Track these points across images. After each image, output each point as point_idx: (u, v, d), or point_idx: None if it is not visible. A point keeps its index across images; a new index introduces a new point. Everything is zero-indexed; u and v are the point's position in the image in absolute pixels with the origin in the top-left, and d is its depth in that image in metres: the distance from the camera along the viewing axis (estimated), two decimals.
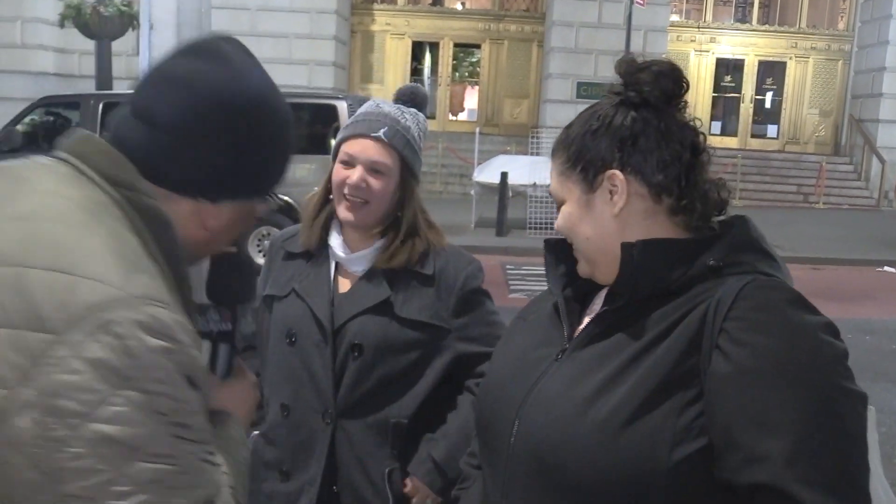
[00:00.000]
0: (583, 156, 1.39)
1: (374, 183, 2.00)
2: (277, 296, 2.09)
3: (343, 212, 2.02)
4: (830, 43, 22.06)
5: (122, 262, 1.01)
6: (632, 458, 1.21)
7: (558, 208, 1.45)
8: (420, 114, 2.17)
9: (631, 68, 1.40)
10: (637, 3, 15.20)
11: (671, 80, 1.37)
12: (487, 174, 13.95)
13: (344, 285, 2.07)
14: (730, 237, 1.34)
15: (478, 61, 22.57)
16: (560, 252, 1.50)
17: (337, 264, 2.09)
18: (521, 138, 18.99)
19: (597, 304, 1.45)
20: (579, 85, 19.70)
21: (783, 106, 22.18)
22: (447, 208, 15.80)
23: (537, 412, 1.34)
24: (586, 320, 1.44)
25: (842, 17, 22.31)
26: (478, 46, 22.34)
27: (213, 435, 1.09)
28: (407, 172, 2.07)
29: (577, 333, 1.42)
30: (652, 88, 1.36)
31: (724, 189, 1.39)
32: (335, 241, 2.08)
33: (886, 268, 12.62)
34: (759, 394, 1.16)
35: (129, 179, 1.12)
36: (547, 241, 1.53)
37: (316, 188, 2.15)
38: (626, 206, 1.36)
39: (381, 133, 2.00)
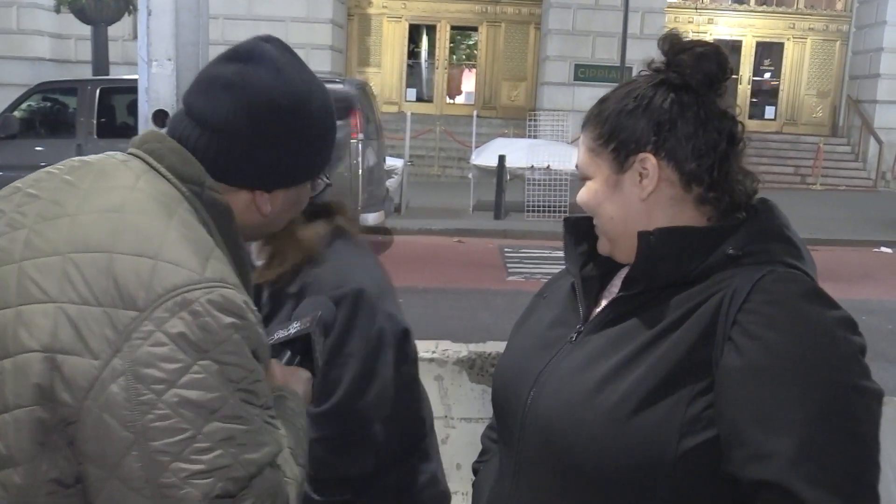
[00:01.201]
0: (616, 135, 1.34)
1: None
2: None
3: None
4: (828, 23, 21.97)
5: (195, 248, 1.14)
6: (639, 445, 1.20)
7: (583, 181, 1.42)
8: None
9: (674, 47, 1.34)
10: None
11: (715, 63, 1.32)
12: (485, 157, 13.92)
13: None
14: (752, 225, 1.31)
15: (475, 44, 22.49)
16: (579, 230, 1.47)
17: None
18: (518, 121, 18.96)
19: (615, 286, 1.43)
20: (577, 67, 19.63)
21: (781, 87, 22.12)
22: (445, 192, 15.80)
23: (548, 394, 1.34)
24: (603, 302, 1.42)
25: None
26: (475, 29, 22.25)
27: (273, 402, 1.21)
28: None
29: (593, 315, 1.41)
30: (694, 71, 1.31)
31: (754, 180, 1.36)
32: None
33: (884, 248, 12.64)
34: (768, 391, 1.15)
35: (197, 176, 1.24)
36: (567, 220, 1.50)
37: None
38: (655, 192, 1.33)
39: None
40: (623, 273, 1.41)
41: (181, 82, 2.67)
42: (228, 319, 1.09)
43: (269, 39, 1.33)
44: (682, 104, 1.31)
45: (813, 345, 1.16)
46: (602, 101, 1.40)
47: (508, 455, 1.42)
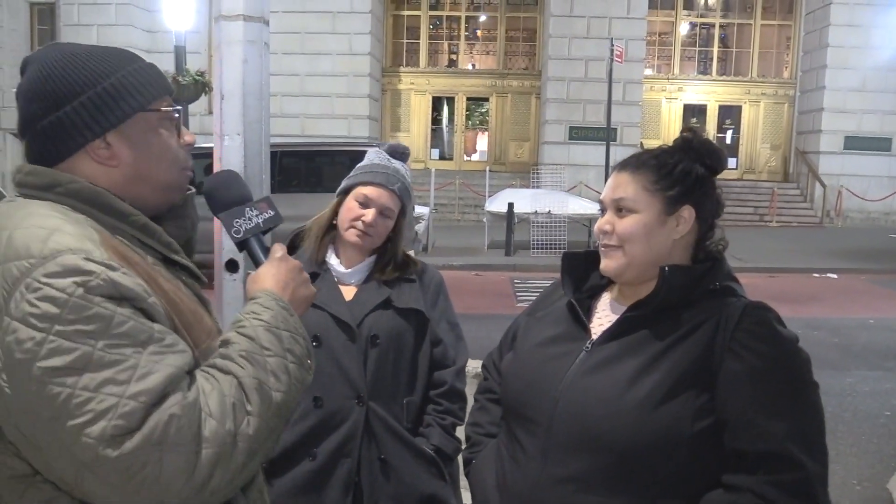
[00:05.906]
0: (674, 186, 1.47)
1: (382, 223, 2.16)
2: None
3: (353, 237, 2.14)
4: (777, 89, 21.92)
5: (37, 236, 1.05)
6: (664, 428, 1.35)
7: (605, 211, 1.51)
8: (406, 166, 2.29)
9: (704, 143, 1.52)
10: (616, 60, 15.15)
11: (722, 158, 1.52)
12: (497, 205, 13.92)
13: (346, 293, 2.15)
14: (721, 270, 1.48)
15: (487, 111, 22.60)
16: (573, 264, 1.61)
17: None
18: (523, 174, 18.99)
19: (601, 304, 1.58)
20: (571, 129, 19.70)
21: (740, 142, 22.00)
22: (464, 233, 15.79)
23: (578, 390, 1.43)
24: (599, 318, 1.55)
25: (786, 67, 22.17)
26: (486, 99, 22.38)
27: (165, 331, 1.08)
28: (402, 215, 2.21)
29: (593, 327, 1.52)
30: (716, 162, 1.51)
31: (722, 234, 1.55)
32: (333, 260, 2.18)
33: (829, 274, 12.48)
34: (767, 387, 1.33)
35: (50, 178, 1.16)
36: (565, 255, 1.62)
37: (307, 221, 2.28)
38: (683, 235, 1.48)
39: (395, 188, 2.16)
40: (605, 296, 1.58)
41: (248, 152, 2.55)
42: (67, 280, 1.00)
43: (45, 46, 1.22)
44: (708, 178, 1.50)
45: (791, 355, 1.36)
46: (655, 154, 1.51)
47: (532, 442, 1.47)
